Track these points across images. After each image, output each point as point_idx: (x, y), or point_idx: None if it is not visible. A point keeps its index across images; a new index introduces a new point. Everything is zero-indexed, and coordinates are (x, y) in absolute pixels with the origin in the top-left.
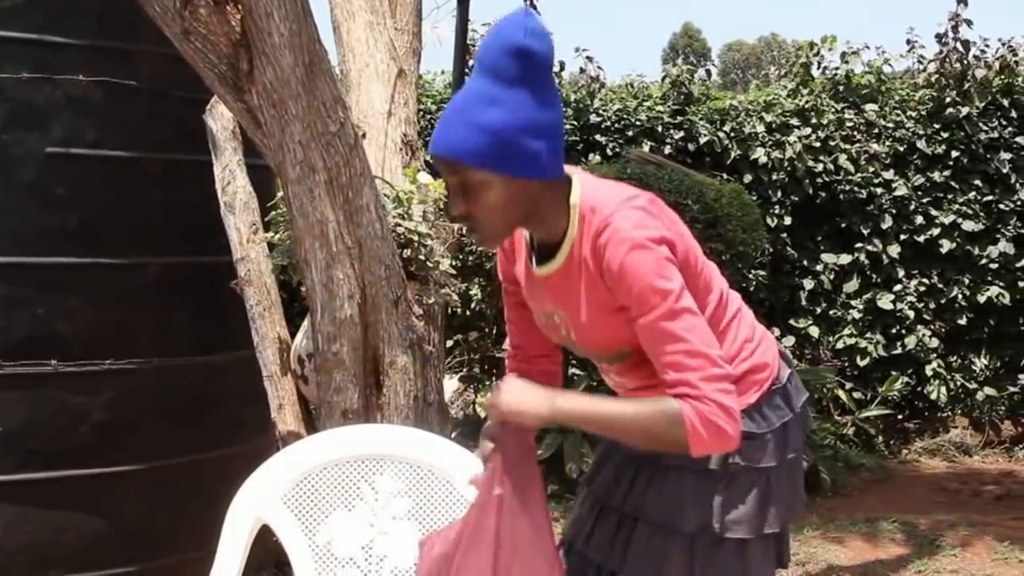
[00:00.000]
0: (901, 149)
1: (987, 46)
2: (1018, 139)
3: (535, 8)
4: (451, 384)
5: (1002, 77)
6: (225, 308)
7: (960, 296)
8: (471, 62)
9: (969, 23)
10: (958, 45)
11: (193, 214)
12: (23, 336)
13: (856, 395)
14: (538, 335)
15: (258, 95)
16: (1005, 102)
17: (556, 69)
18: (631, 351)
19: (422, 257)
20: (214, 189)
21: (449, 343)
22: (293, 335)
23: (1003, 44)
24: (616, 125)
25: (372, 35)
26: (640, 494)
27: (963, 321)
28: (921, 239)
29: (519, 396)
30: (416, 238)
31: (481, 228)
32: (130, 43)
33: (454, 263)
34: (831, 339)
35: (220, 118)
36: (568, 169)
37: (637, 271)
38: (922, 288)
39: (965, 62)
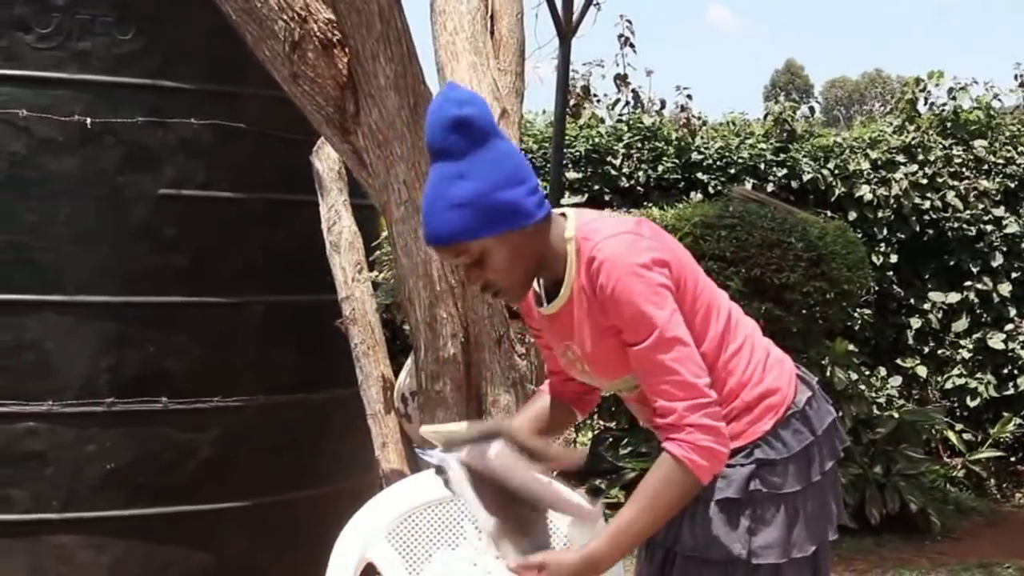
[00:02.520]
0: (1012, 186)
1: None
2: None
3: (632, 48)
4: None
5: None
6: (328, 346)
7: None
8: (572, 102)
9: None
10: None
11: (298, 253)
12: (134, 374)
13: (966, 437)
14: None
15: (364, 136)
16: None
17: (656, 107)
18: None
19: None
20: (318, 228)
21: None
22: (396, 373)
23: None
24: (718, 163)
25: (475, 76)
26: (676, 528)
27: None
28: None
29: None
30: None
31: (504, 289)
32: (239, 86)
33: None
34: (939, 379)
35: (326, 159)
36: (563, 209)
37: (628, 297)
38: None
39: None
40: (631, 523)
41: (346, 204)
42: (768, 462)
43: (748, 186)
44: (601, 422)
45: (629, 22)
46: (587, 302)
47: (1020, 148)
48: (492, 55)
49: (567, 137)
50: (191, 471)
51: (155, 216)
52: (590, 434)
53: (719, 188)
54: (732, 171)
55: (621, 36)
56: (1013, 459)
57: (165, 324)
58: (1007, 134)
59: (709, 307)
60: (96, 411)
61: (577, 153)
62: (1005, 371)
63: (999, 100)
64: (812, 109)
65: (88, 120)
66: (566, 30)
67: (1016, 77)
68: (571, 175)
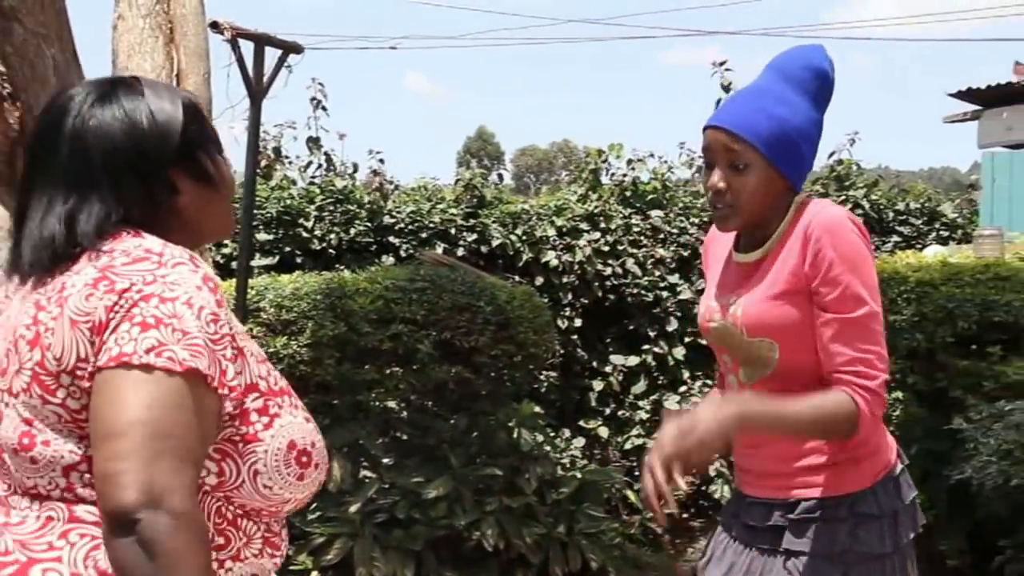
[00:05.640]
0: (685, 254)
1: None
2: None
3: (324, 110)
4: None
5: None
6: None
7: None
8: (263, 163)
9: None
10: None
11: None
12: None
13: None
14: None
15: None
16: None
17: (350, 171)
18: (778, 353)
19: None
20: None
21: None
22: None
23: None
24: (410, 227)
25: None
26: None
27: None
28: (705, 342)
29: (691, 421)
30: None
31: (733, 206)
32: None
33: None
34: (620, 440)
35: None
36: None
37: (845, 243)
38: (707, 389)
39: None
40: (790, 417)
41: None
42: (867, 517)
43: (439, 250)
44: None
45: (321, 85)
46: (788, 254)
47: (692, 219)
48: None
49: (258, 199)
50: None
51: None
52: None
53: (411, 252)
54: (424, 235)
55: (313, 99)
56: (686, 515)
57: None
58: (680, 205)
59: None
60: None
61: (268, 215)
62: None
63: (672, 173)
64: (501, 176)
65: None
66: (257, 91)
67: (679, 153)
68: (262, 236)
